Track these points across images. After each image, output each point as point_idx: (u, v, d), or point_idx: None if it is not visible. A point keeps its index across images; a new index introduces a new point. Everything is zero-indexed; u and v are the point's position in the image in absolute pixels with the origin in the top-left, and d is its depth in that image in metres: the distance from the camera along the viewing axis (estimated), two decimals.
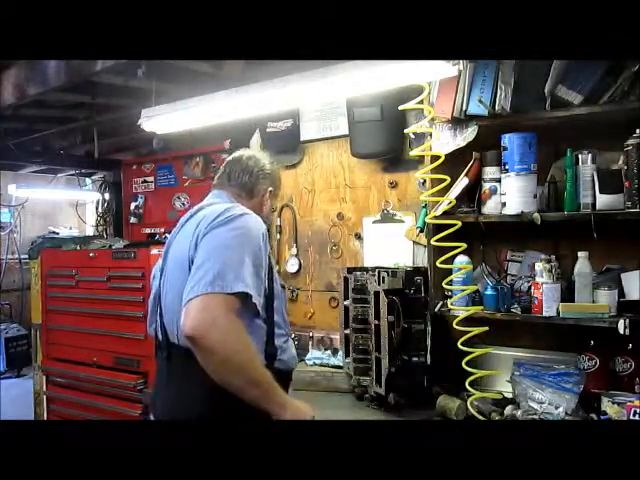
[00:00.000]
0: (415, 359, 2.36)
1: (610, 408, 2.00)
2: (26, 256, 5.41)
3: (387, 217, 2.96)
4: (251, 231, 1.64)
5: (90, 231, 6.08)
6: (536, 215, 2.16)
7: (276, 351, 1.70)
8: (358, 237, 3.09)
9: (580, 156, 2.15)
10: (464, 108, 2.28)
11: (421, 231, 2.66)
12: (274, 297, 1.72)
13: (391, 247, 2.91)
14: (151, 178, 4.38)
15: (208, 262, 1.52)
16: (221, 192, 1.91)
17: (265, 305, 1.66)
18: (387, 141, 2.83)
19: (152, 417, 1.79)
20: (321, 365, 2.95)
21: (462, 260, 2.33)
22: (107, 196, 5.00)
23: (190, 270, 1.56)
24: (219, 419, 1.54)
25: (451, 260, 2.30)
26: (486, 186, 2.34)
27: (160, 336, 1.74)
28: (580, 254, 2.17)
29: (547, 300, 2.14)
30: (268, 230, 3.74)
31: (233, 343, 1.46)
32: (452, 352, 2.25)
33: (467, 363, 2.20)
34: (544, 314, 2.14)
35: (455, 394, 2.29)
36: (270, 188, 1.99)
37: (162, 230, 4.27)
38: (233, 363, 1.47)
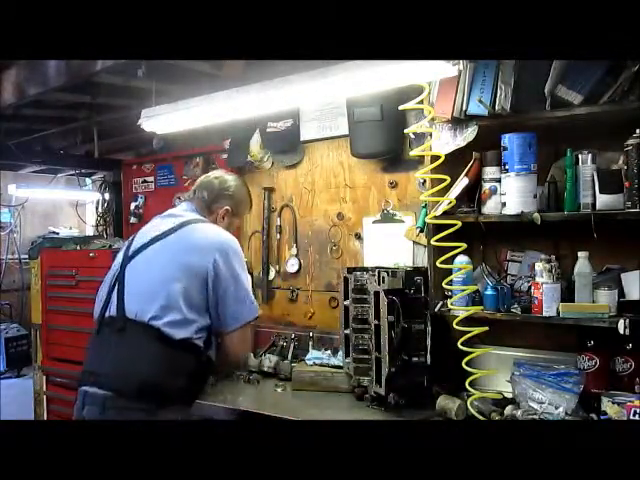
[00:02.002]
0: (415, 359, 2.35)
1: (610, 408, 2.00)
2: (26, 256, 5.40)
3: (387, 217, 2.96)
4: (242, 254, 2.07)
5: (90, 231, 6.07)
6: (536, 215, 2.16)
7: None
8: (358, 237, 3.09)
9: (580, 156, 2.15)
10: (464, 108, 2.28)
11: (421, 231, 2.66)
12: None
13: (391, 247, 2.91)
14: (151, 178, 4.37)
15: (241, 292, 1.95)
16: (189, 203, 2.19)
17: None
18: (387, 141, 2.82)
19: (89, 387, 1.84)
20: (321, 365, 2.94)
21: (462, 260, 2.33)
22: (107, 196, 4.99)
23: (210, 286, 1.90)
24: (169, 384, 1.79)
25: (451, 260, 2.30)
26: (486, 186, 2.34)
27: (113, 312, 1.91)
28: (580, 254, 2.17)
29: (547, 300, 2.14)
30: (268, 229, 3.77)
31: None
32: (452, 352, 2.24)
33: (467, 363, 2.20)
34: (544, 314, 2.14)
35: (455, 394, 2.29)
36: (227, 207, 2.19)
37: None
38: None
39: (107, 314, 1.94)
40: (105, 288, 2.02)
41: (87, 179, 5.61)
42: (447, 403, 2.24)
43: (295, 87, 2.21)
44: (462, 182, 2.35)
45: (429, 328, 2.40)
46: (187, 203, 2.19)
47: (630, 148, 2.03)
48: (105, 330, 1.94)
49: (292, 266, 3.32)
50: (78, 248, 3.90)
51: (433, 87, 2.34)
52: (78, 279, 3.60)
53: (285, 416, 2.31)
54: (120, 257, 2.04)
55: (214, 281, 1.90)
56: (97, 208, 5.16)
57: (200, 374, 1.97)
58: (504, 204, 2.27)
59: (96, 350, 1.95)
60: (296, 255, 3.32)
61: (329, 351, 3.04)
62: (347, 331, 2.55)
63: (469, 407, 2.20)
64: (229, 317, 1.93)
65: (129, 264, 1.97)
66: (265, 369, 2.95)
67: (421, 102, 2.18)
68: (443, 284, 2.35)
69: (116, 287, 1.95)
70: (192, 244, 1.96)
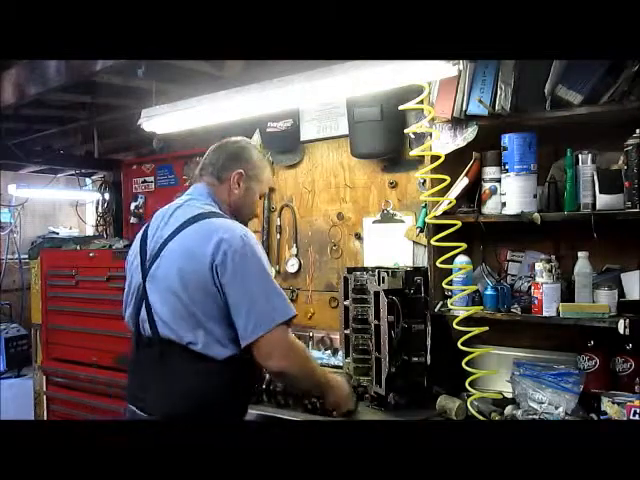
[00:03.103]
0: (415, 359, 2.35)
1: (610, 408, 2.00)
2: (26, 256, 5.39)
3: (387, 217, 2.96)
4: (260, 251, 1.77)
5: (90, 231, 6.07)
6: (536, 215, 2.16)
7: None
8: (358, 237, 3.09)
9: (580, 156, 2.15)
10: (464, 108, 2.28)
11: (421, 231, 2.66)
12: None
13: (391, 247, 2.91)
14: (151, 178, 4.37)
15: (260, 296, 1.68)
16: (197, 186, 1.96)
17: None
18: (387, 141, 2.82)
19: (135, 410, 1.78)
20: (321, 365, 2.94)
21: (462, 260, 2.33)
22: (107, 196, 4.99)
23: (217, 293, 1.68)
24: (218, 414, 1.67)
25: (451, 260, 2.30)
26: (486, 186, 2.34)
27: (147, 331, 1.76)
28: (580, 254, 2.17)
29: (547, 300, 2.14)
30: (268, 229, 3.71)
31: (304, 365, 1.79)
32: (452, 352, 2.24)
33: (467, 363, 2.19)
34: (544, 314, 2.14)
35: (455, 394, 2.29)
36: (240, 170, 1.90)
37: None
38: (304, 378, 1.82)
39: (143, 333, 1.79)
40: (131, 300, 1.85)
41: (87, 179, 5.60)
42: (447, 403, 2.24)
43: (295, 87, 2.21)
44: (462, 182, 2.35)
45: (429, 328, 2.39)
46: (195, 187, 1.95)
47: (630, 148, 2.03)
48: (144, 351, 1.79)
49: (292, 266, 3.31)
50: (78, 248, 3.90)
51: (433, 87, 2.34)
52: (78, 279, 3.60)
53: (285, 416, 2.31)
54: (138, 265, 1.86)
55: (222, 290, 1.68)
56: (97, 208, 5.17)
57: (250, 387, 1.92)
58: (504, 204, 2.27)
59: (138, 371, 1.84)
60: (296, 255, 3.32)
61: (329, 351, 3.04)
62: (347, 331, 2.55)
63: (469, 407, 2.20)
64: (242, 328, 1.66)
65: (147, 277, 1.79)
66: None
67: (421, 102, 2.18)
68: (443, 284, 2.35)
69: (143, 304, 1.78)
70: (189, 253, 1.72)
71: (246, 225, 1.91)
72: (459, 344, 2.18)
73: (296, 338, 1.79)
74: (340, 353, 2.78)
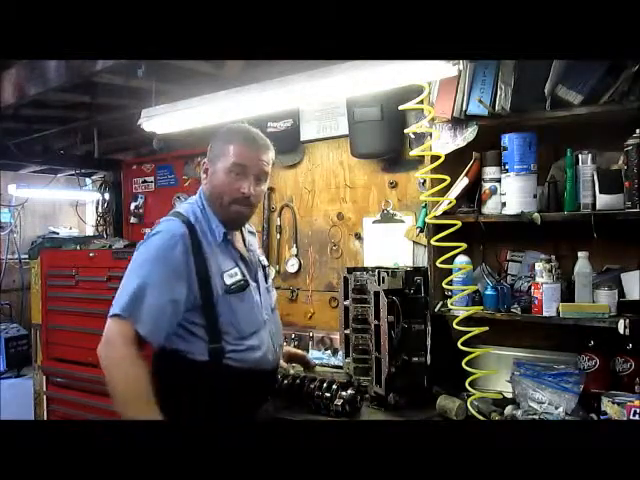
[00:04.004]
0: (415, 359, 2.35)
1: (610, 408, 2.00)
2: (26, 256, 5.39)
3: (387, 217, 2.96)
4: (155, 252, 1.70)
5: (90, 231, 6.07)
6: (536, 215, 2.16)
7: (222, 351, 1.75)
8: (358, 237, 3.09)
9: (580, 156, 2.15)
10: (464, 108, 2.28)
11: (421, 231, 2.66)
12: (213, 304, 1.74)
13: (391, 247, 2.91)
14: (151, 178, 4.37)
15: (122, 284, 1.69)
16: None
17: (204, 310, 1.73)
18: (387, 141, 2.82)
19: None
20: (321, 365, 2.95)
21: (462, 260, 2.33)
22: (107, 196, 4.99)
23: None
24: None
25: (451, 260, 2.30)
26: (486, 186, 2.34)
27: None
28: (580, 254, 2.17)
29: (547, 300, 2.14)
30: (268, 229, 3.68)
31: (115, 372, 1.66)
32: (452, 352, 2.24)
33: (467, 363, 2.19)
34: (544, 314, 2.14)
35: (455, 394, 2.29)
36: (204, 160, 1.88)
37: None
38: (111, 379, 1.65)
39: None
40: None
41: (87, 179, 5.60)
42: (447, 403, 2.24)
43: (295, 87, 2.21)
44: (462, 182, 2.35)
45: (429, 328, 2.39)
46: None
47: (630, 148, 2.03)
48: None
49: (292, 266, 3.32)
50: (78, 248, 3.90)
51: (433, 87, 2.34)
52: (78, 279, 3.59)
53: (285, 416, 2.31)
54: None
55: None
56: (97, 208, 5.16)
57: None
58: (504, 204, 2.27)
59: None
60: (296, 255, 3.32)
61: (329, 351, 3.05)
62: (347, 331, 2.55)
63: (469, 407, 2.20)
64: None
65: None
66: None
67: (421, 102, 2.18)
68: (443, 284, 2.35)
69: None
70: None
71: (237, 216, 1.86)
72: (459, 344, 2.18)
73: (132, 348, 1.64)
74: (340, 353, 2.77)
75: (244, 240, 1.99)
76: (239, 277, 1.82)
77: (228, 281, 1.78)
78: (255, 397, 1.92)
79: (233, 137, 1.87)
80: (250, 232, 2.07)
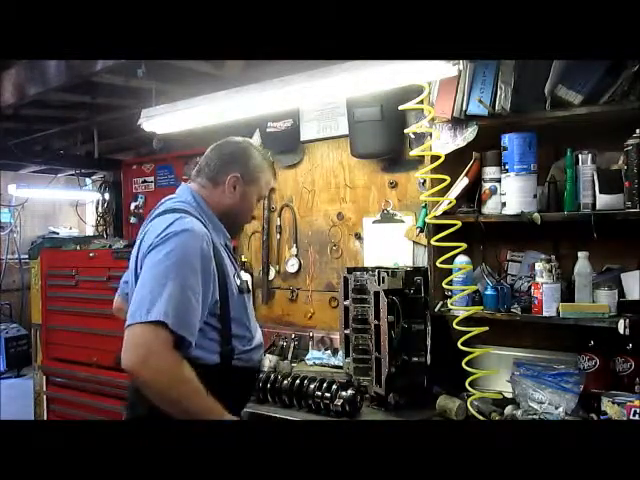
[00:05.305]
0: (415, 359, 2.35)
1: (610, 408, 2.00)
2: (26, 256, 5.40)
3: (387, 217, 2.96)
4: (186, 252, 1.57)
5: (90, 231, 6.07)
6: (536, 215, 2.16)
7: (232, 354, 1.71)
8: (358, 237, 3.09)
9: (580, 156, 2.15)
10: (464, 108, 2.28)
11: (421, 231, 2.66)
12: (228, 304, 1.70)
13: (391, 247, 2.91)
14: (151, 178, 4.38)
15: (143, 289, 1.51)
16: (185, 186, 1.82)
17: (219, 312, 1.67)
18: (387, 141, 2.82)
19: None
20: (321, 365, 2.95)
21: (462, 260, 2.33)
22: (107, 196, 5.00)
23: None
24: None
25: (451, 260, 2.30)
26: (486, 186, 2.34)
27: None
28: (580, 254, 2.17)
29: (547, 300, 2.14)
30: (268, 229, 3.69)
31: (166, 379, 1.47)
32: (452, 352, 2.24)
33: (467, 363, 2.20)
34: (544, 314, 2.14)
35: (455, 394, 2.29)
36: (236, 174, 1.78)
37: None
38: (169, 397, 1.48)
39: None
40: None
41: (87, 179, 5.61)
42: (447, 403, 2.24)
43: (295, 87, 2.21)
44: (462, 182, 2.35)
45: (429, 328, 2.40)
46: (180, 188, 1.85)
47: (630, 148, 2.03)
48: None
49: (292, 266, 3.32)
50: (78, 248, 3.91)
51: (433, 87, 2.34)
52: (78, 279, 3.60)
53: (285, 416, 2.31)
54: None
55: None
56: (97, 208, 5.17)
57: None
58: (504, 204, 2.27)
59: None
60: (296, 255, 3.32)
61: (329, 351, 3.05)
62: (347, 331, 2.55)
63: (469, 407, 2.20)
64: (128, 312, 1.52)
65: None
66: (265, 369, 2.95)
67: (421, 102, 2.18)
68: (443, 284, 2.35)
69: None
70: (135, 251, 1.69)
71: (239, 230, 1.89)
72: (459, 344, 2.18)
73: (178, 356, 1.49)
74: (340, 353, 2.78)
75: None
76: (244, 279, 1.83)
77: (238, 282, 1.78)
78: (249, 395, 1.96)
79: (265, 165, 1.89)
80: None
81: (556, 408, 2.07)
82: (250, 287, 1.94)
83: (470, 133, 2.31)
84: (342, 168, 3.15)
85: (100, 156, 4.45)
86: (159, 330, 1.46)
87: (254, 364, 1.83)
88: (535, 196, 2.23)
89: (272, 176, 1.94)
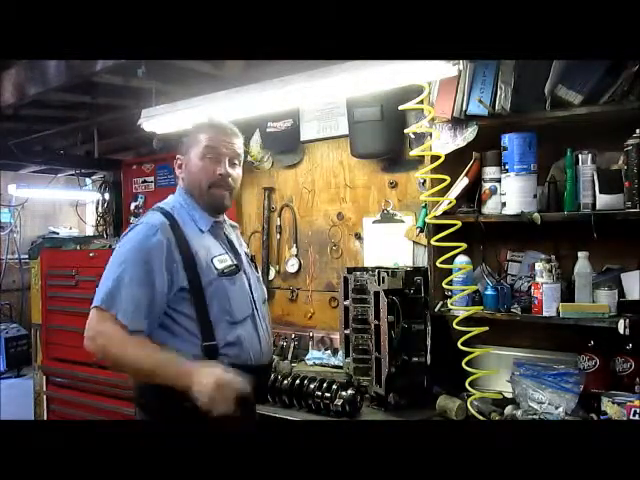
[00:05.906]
0: (415, 359, 2.35)
1: (610, 408, 2.00)
2: (26, 256, 5.40)
3: (387, 217, 2.96)
4: (133, 245, 1.73)
5: (90, 231, 6.07)
6: (536, 215, 2.16)
7: (216, 347, 1.72)
8: (358, 237, 3.09)
9: (580, 156, 2.15)
10: (464, 108, 2.28)
11: (421, 231, 2.66)
12: (204, 292, 1.73)
13: (391, 247, 2.91)
14: (151, 178, 4.37)
15: (103, 277, 1.73)
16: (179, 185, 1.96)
17: (192, 298, 1.72)
18: (387, 141, 2.82)
19: None
20: (321, 365, 2.95)
21: (462, 260, 2.33)
22: (107, 196, 4.99)
23: None
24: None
25: (451, 260, 2.30)
26: (486, 186, 2.34)
27: None
28: (580, 254, 2.17)
29: (547, 300, 2.14)
30: (268, 229, 3.67)
31: (110, 354, 1.68)
32: (452, 352, 2.24)
33: (467, 363, 2.19)
34: (544, 314, 2.14)
35: (455, 394, 2.29)
36: (177, 155, 1.91)
37: None
38: (121, 364, 1.71)
39: None
40: None
41: (87, 179, 5.61)
42: (447, 403, 2.24)
43: (295, 87, 2.21)
44: (462, 182, 2.35)
45: (429, 328, 2.40)
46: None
47: (630, 148, 2.03)
48: None
49: (292, 266, 3.32)
50: (78, 248, 3.90)
51: (433, 87, 2.34)
52: (78, 279, 3.59)
53: (285, 416, 2.31)
54: None
55: None
56: (97, 208, 5.16)
57: None
58: (504, 204, 2.27)
59: None
60: (296, 255, 3.32)
61: (329, 351, 3.05)
62: (347, 331, 2.55)
63: (469, 407, 2.20)
64: None
65: None
66: None
67: (421, 102, 2.18)
68: (443, 284, 2.35)
69: None
70: None
71: (219, 199, 1.86)
72: (459, 344, 2.18)
73: (121, 331, 1.64)
74: (340, 353, 2.77)
75: (228, 232, 2.00)
76: (229, 262, 1.82)
77: (219, 265, 1.78)
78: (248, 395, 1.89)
79: (202, 127, 1.92)
80: (232, 226, 2.08)
81: (556, 408, 2.07)
82: (246, 268, 1.92)
83: (470, 133, 2.31)
84: (342, 168, 3.15)
85: (100, 156, 4.45)
86: (102, 313, 1.66)
87: (246, 361, 1.77)
88: (535, 196, 2.23)
89: (214, 128, 1.90)
